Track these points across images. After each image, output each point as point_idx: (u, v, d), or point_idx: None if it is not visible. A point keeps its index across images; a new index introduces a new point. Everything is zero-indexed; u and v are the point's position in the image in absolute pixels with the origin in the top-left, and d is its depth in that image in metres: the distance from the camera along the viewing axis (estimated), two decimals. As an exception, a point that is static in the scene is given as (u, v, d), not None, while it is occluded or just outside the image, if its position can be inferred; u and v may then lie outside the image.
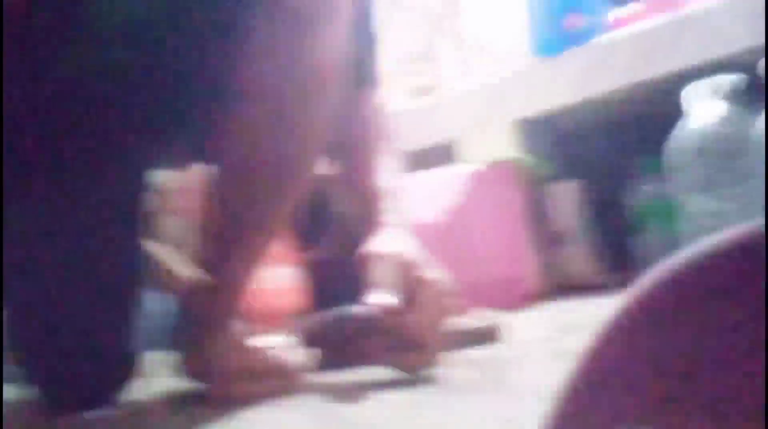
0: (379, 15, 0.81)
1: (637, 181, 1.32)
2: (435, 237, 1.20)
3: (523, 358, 0.55)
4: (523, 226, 1.28)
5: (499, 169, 1.16)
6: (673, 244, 1.21)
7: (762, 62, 1.04)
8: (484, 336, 0.78)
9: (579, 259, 1.34)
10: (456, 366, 0.62)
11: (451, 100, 1.45)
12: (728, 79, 1.09)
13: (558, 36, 1.28)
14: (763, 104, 1.05)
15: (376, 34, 0.78)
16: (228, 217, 0.56)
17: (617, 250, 1.37)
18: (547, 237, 1.38)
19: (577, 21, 1.28)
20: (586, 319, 0.87)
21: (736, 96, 1.10)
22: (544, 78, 1.31)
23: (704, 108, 1.11)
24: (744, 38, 1.11)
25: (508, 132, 1.34)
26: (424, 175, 1.23)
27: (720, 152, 1.10)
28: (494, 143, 1.35)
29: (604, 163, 1.43)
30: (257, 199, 0.55)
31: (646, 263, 1.28)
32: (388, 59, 2.34)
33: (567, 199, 1.37)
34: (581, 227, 1.35)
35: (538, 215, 1.37)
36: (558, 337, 0.65)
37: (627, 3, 1.38)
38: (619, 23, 1.36)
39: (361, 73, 0.72)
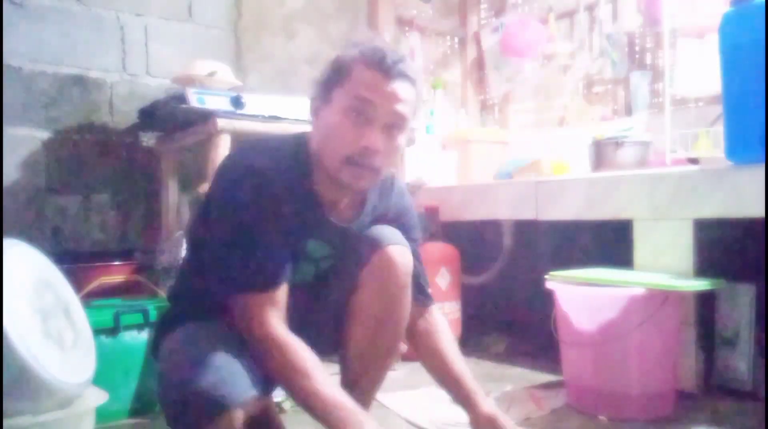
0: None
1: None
2: (590, 346, 1.25)
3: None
4: (683, 334, 1.28)
5: (663, 294, 1.16)
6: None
7: None
8: None
9: (742, 363, 1.32)
10: None
11: (634, 180, 1.42)
12: None
13: (758, 143, 1.19)
14: None
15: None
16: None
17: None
18: (711, 339, 1.35)
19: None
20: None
21: None
22: (734, 183, 1.24)
23: None
24: None
25: (685, 227, 1.30)
26: (587, 288, 1.26)
27: None
28: (669, 234, 1.31)
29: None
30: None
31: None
32: (570, 83, 2.23)
33: (738, 304, 1.33)
34: (749, 332, 1.32)
35: (705, 317, 1.34)
36: None
37: None
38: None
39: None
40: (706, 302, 1.35)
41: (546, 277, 1.34)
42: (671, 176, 1.35)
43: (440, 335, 0.99)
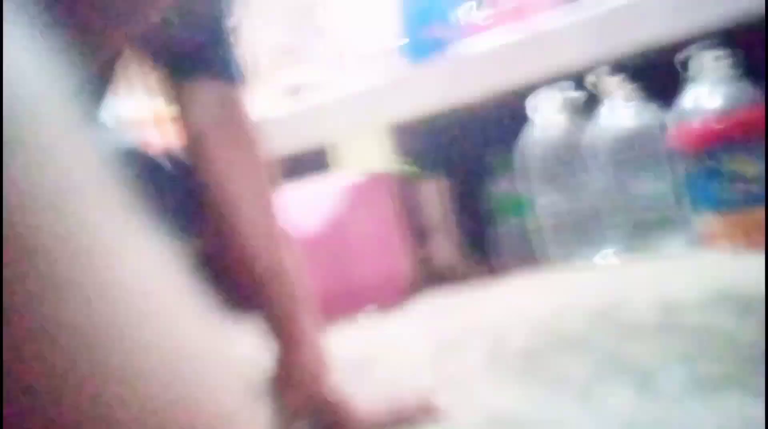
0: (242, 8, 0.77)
1: (494, 178, 1.47)
2: (314, 247, 1.26)
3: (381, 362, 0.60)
4: (397, 227, 1.39)
5: (374, 178, 1.24)
6: (520, 234, 1.39)
7: (590, 77, 1.22)
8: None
9: (447, 251, 1.47)
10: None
11: (324, 104, 1.50)
12: (563, 92, 1.26)
13: (425, 43, 1.38)
14: (591, 115, 1.24)
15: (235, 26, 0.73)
16: None
17: (478, 241, 1.52)
18: (417, 233, 1.49)
19: (439, 29, 1.38)
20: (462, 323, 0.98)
21: (570, 106, 1.28)
22: (416, 84, 1.40)
23: (545, 116, 1.28)
24: (580, 55, 1.28)
25: (381, 136, 1.42)
26: (299, 185, 1.27)
27: (557, 155, 1.28)
28: (368, 148, 1.42)
29: (468, 164, 1.57)
30: None
31: (499, 252, 1.45)
32: (254, 56, 2.31)
33: (434, 197, 1.49)
34: (446, 222, 1.48)
35: (409, 213, 1.48)
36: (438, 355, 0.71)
37: (481, 12, 1.51)
38: (474, 31, 1.49)
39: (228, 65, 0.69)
40: (409, 201, 1.49)
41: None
42: (361, 92, 1.47)
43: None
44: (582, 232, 1.26)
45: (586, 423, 0.39)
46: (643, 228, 1.19)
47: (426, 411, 0.50)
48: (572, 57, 1.30)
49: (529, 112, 1.30)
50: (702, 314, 0.59)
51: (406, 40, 1.44)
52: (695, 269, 0.90)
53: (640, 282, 0.85)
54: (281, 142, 1.55)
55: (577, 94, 1.28)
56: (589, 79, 1.21)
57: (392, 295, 1.26)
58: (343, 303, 1.21)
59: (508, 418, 0.43)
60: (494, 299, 1.05)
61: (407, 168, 1.34)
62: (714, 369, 0.38)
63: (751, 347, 0.39)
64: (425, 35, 1.40)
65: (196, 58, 0.66)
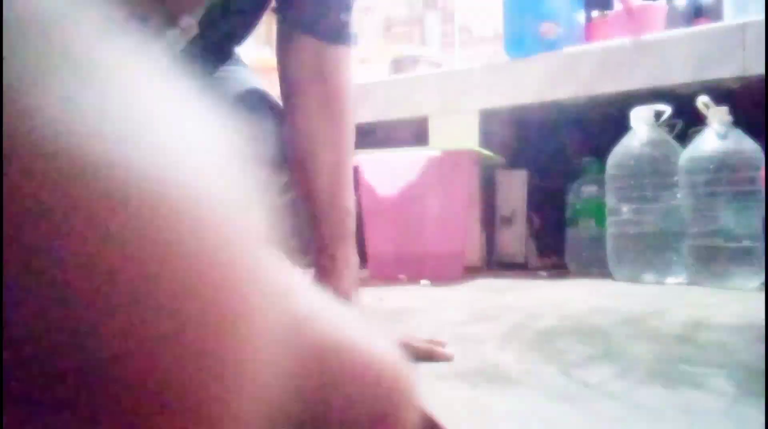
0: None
1: (579, 180, 1.47)
2: (391, 212, 1.33)
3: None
4: (470, 209, 1.43)
5: (457, 155, 1.29)
6: (598, 241, 1.38)
7: (701, 98, 1.19)
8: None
9: (517, 241, 1.50)
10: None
11: (427, 79, 1.55)
12: (668, 109, 1.23)
13: (531, 40, 1.39)
14: (690, 140, 1.21)
15: None
16: None
17: (552, 238, 1.53)
18: (492, 219, 1.53)
19: (550, 28, 1.38)
20: (505, 302, 1.02)
21: (672, 125, 1.25)
22: (513, 75, 1.42)
23: (645, 130, 1.26)
24: (689, 71, 1.25)
25: (472, 118, 1.45)
26: (388, 155, 1.34)
27: (649, 172, 1.26)
28: (459, 126, 1.46)
29: (552, 160, 1.58)
30: None
31: (573, 253, 1.46)
32: (372, 25, 2.39)
33: (514, 187, 1.51)
34: (523, 213, 1.51)
35: (487, 199, 1.51)
36: (470, 321, 0.76)
37: (598, 18, 1.49)
38: (588, 37, 1.48)
39: (336, 28, 0.70)
40: (487, 187, 1.53)
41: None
42: (459, 73, 1.51)
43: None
44: (655, 250, 1.25)
45: (562, 388, 0.43)
46: (718, 257, 1.16)
47: (431, 353, 0.55)
48: (679, 75, 1.27)
49: (631, 121, 1.27)
50: (721, 334, 0.61)
51: (514, 32, 1.45)
52: (743, 300, 0.89)
53: (690, 303, 0.85)
54: (381, 109, 1.63)
55: (677, 116, 1.25)
56: (700, 100, 1.17)
57: (454, 271, 1.32)
58: (408, 268, 1.28)
59: (497, 370, 0.48)
60: (543, 291, 1.08)
61: (491, 154, 1.37)
62: (721, 383, 0.41)
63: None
64: (533, 32, 1.40)
65: (308, 14, 0.68)
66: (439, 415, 0.26)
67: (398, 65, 1.75)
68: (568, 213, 1.48)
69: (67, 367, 0.11)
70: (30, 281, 0.11)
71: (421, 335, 0.62)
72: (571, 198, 1.48)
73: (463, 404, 0.43)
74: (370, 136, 1.82)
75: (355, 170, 1.32)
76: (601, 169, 1.33)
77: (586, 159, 1.47)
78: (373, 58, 2.31)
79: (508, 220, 1.51)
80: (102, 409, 0.11)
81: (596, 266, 1.39)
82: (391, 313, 0.83)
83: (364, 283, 1.28)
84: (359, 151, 1.39)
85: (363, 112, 1.66)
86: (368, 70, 2.14)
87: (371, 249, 1.37)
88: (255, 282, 0.14)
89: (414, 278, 1.25)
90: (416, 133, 1.56)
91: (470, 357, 0.57)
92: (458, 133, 1.47)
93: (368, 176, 1.35)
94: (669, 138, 1.25)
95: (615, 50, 1.33)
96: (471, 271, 1.41)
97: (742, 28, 1.21)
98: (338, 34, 0.69)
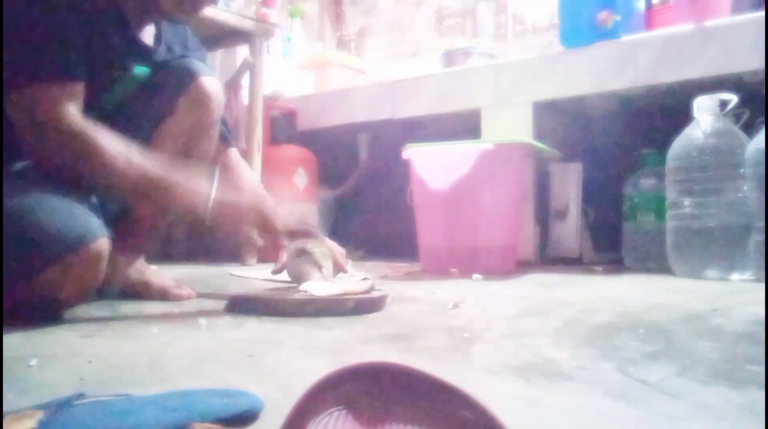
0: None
1: (637, 173, 1.43)
2: (443, 206, 1.33)
3: (484, 333, 0.64)
4: (523, 203, 1.41)
5: (510, 148, 1.27)
6: (657, 235, 1.34)
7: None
8: (374, 305, 0.77)
9: (572, 235, 1.47)
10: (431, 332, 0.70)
11: (480, 71, 1.54)
12: (734, 98, 1.18)
13: (588, 29, 1.35)
14: (757, 130, 1.15)
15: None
16: None
17: (608, 232, 1.50)
18: (546, 213, 1.50)
19: (608, 17, 1.34)
20: (558, 297, 1.00)
21: (738, 115, 1.20)
22: (568, 66, 1.39)
23: (709, 120, 1.20)
24: (756, 58, 1.19)
25: (526, 111, 1.43)
26: (440, 148, 1.33)
27: (713, 164, 1.21)
28: (512, 119, 1.44)
29: (609, 152, 1.54)
30: None
31: (630, 248, 1.42)
32: (424, 17, 2.38)
33: (569, 180, 1.48)
34: (578, 207, 1.47)
35: (540, 192, 1.49)
36: (523, 315, 0.75)
37: (659, 4, 1.44)
38: (648, 25, 1.43)
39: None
40: (540, 181, 1.50)
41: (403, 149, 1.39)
42: (513, 65, 1.49)
43: (242, 169, 0.99)
44: (718, 245, 1.20)
45: (619, 386, 0.42)
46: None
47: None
48: (746, 62, 1.21)
49: (694, 111, 1.22)
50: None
51: (570, 21, 1.41)
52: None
53: (757, 301, 0.82)
54: (433, 102, 1.62)
55: (743, 105, 1.19)
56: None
57: (506, 265, 1.30)
58: (460, 261, 1.27)
59: (551, 366, 0.48)
60: (598, 286, 1.05)
61: (545, 147, 1.35)
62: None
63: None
64: (590, 20, 1.36)
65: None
66: (494, 410, 0.27)
67: (450, 57, 1.74)
68: (626, 206, 1.44)
69: None
70: None
71: (470, 326, 0.62)
72: (628, 191, 1.44)
73: (518, 399, 0.43)
74: (421, 129, 1.82)
75: (407, 164, 1.34)
76: (661, 161, 1.29)
77: (646, 151, 1.43)
78: (424, 50, 2.31)
79: (562, 214, 1.48)
80: None
81: (655, 261, 1.35)
82: (443, 303, 0.83)
83: (416, 276, 1.30)
84: (411, 144, 1.40)
85: (414, 105, 1.66)
86: (420, 63, 2.14)
87: (423, 242, 1.37)
88: None
89: (466, 272, 1.24)
90: (469, 126, 1.55)
91: (524, 352, 0.56)
92: (511, 125, 1.45)
93: (420, 170, 1.35)
94: (735, 128, 1.20)
95: (677, 38, 1.28)
96: (524, 266, 1.40)
97: (816, 11, 1.14)
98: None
